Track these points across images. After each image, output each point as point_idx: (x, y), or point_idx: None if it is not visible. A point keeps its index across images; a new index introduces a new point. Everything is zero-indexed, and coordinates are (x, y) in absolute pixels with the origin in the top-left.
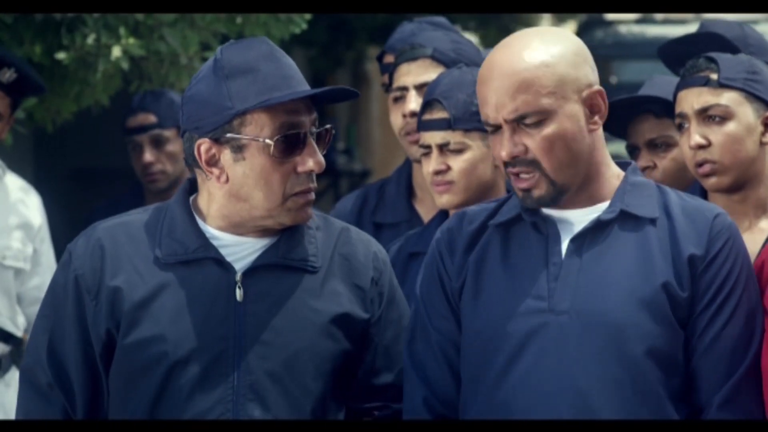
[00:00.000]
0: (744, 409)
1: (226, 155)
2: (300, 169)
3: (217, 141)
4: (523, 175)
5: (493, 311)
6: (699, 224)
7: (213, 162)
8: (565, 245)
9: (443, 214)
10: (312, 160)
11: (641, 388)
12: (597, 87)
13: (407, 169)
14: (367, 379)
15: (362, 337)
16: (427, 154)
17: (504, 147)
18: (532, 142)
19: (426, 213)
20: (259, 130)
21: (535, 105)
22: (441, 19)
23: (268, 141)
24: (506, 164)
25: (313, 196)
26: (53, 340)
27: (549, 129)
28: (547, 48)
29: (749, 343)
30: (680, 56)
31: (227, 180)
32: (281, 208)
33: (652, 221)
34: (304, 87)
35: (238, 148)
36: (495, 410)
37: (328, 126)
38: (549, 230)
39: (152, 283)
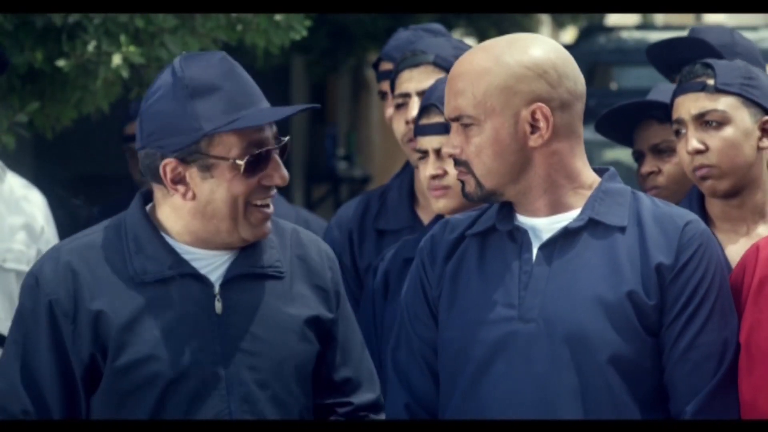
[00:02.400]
0: (719, 417)
1: (192, 174)
2: (265, 182)
3: (183, 160)
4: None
5: (466, 319)
6: (669, 232)
7: (178, 180)
8: (535, 253)
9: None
10: (277, 175)
11: (606, 396)
12: (538, 104)
13: (409, 175)
14: (329, 375)
15: (327, 337)
16: (423, 159)
17: (445, 145)
18: (466, 145)
19: (428, 219)
20: (227, 150)
21: (467, 109)
22: (437, 26)
23: (238, 161)
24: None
25: (272, 210)
26: (26, 365)
27: (477, 135)
28: (499, 56)
29: (724, 352)
30: (666, 60)
31: (194, 197)
32: (244, 221)
33: (621, 229)
34: (265, 103)
35: (206, 167)
36: (467, 417)
37: (285, 140)
38: (522, 239)
39: (134, 305)
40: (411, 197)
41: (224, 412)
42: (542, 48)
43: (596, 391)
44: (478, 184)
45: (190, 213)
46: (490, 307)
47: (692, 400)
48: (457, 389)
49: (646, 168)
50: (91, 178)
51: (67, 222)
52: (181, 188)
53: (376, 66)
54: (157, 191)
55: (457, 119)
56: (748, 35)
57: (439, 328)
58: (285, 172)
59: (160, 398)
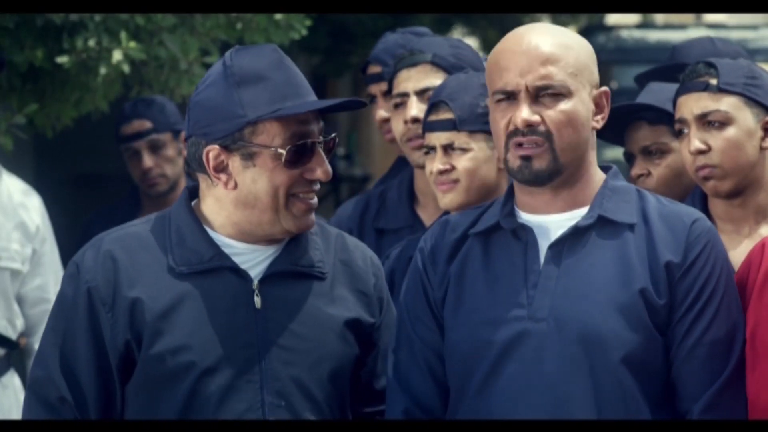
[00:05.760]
0: (726, 415)
1: (235, 162)
2: (307, 176)
3: (227, 148)
4: (528, 144)
5: (474, 320)
6: (677, 230)
7: (221, 168)
8: (543, 252)
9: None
10: (320, 169)
11: (619, 395)
12: (605, 87)
13: (408, 174)
14: (370, 382)
15: (367, 342)
16: (429, 154)
17: (522, 112)
18: (550, 114)
19: (428, 219)
20: (270, 139)
21: (560, 79)
22: (424, 29)
23: (280, 150)
24: (514, 133)
25: (315, 201)
26: (65, 352)
27: (566, 106)
28: (568, 35)
29: (731, 349)
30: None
31: (235, 186)
32: (286, 212)
33: (631, 227)
34: (313, 96)
35: (249, 156)
36: (479, 418)
37: (333, 135)
38: (528, 237)
39: (172, 294)
40: (411, 197)
41: (257, 405)
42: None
43: (608, 390)
44: (555, 157)
45: (232, 203)
46: (498, 307)
47: (700, 397)
48: (468, 391)
49: (636, 170)
50: (91, 177)
51: (62, 225)
52: (223, 177)
53: (363, 69)
54: (202, 182)
55: (544, 89)
56: (748, 34)
57: (445, 330)
58: (328, 167)
59: (193, 388)
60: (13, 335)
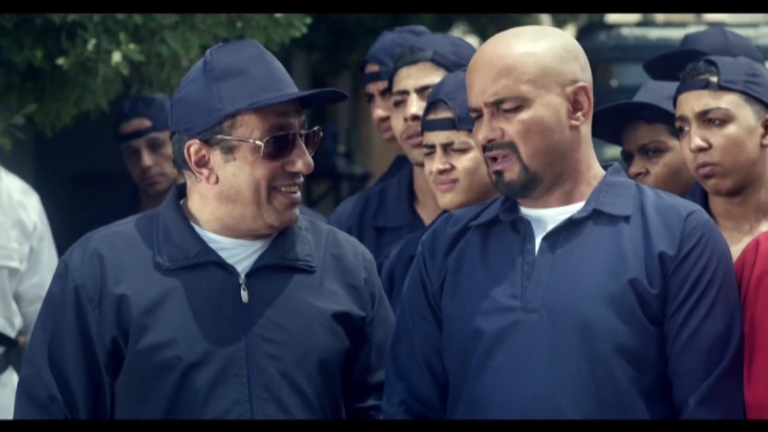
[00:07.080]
0: (723, 407)
1: (216, 156)
2: (288, 168)
3: (207, 142)
4: (498, 159)
5: (469, 310)
6: (672, 222)
7: (202, 163)
8: (538, 243)
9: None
10: (301, 161)
11: (610, 386)
12: (582, 83)
13: (408, 173)
14: (363, 377)
15: (358, 336)
16: (429, 154)
17: (481, 130)
18: (509, 126)
19: (428, 217)
20: (249, 132)
21: (514, 90)
22: (422, 28)
23: (258, 142)
24: (484, 149)
25: (298, 195)
26: (53, 351)
27: (526, 115)
28: (534, 40)
29: (728, 341)
30: (665, 74)
31: (217, 181)
32: (268, 206)
33: (626, 219)
34: (293, 89)
35: (229, 149)
36: (472, 409)
37: (315, 128)
38: (525, 230)
39: (158, 289)
40: (410, 195)
41: (244, 399)
42: (567, 35)
43: (599, 381)
44: (524, 167)
45: (215, 198)
46: (492, 297)
47: (695, 389)
48: (464, 380)
49: (634, 169)
50: (91, 176)
51: (62, 224)
52: (205, 171)
53: (362, 69)
54: (188, 179)
55: (499, 103)
56: (748, 32)
57: (443, 320)
58: (309, 160)
59: (180, 382)
60: (11, 333)
